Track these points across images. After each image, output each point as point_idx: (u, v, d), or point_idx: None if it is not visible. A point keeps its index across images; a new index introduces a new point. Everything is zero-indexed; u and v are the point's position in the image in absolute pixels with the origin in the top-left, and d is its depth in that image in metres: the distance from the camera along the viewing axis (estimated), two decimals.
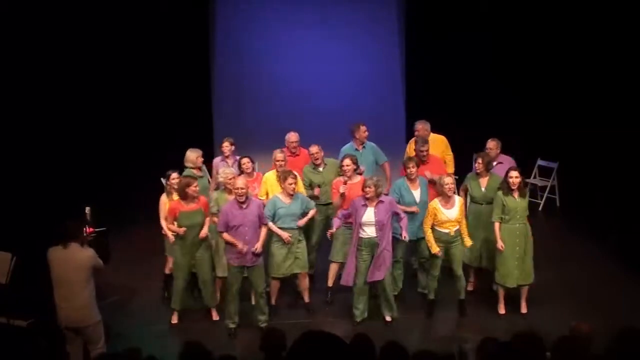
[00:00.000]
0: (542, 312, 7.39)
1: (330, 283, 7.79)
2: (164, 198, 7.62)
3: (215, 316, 7.50)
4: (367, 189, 6.92)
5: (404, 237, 7.06)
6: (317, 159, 7.97)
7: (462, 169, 8.68)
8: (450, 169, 8.41)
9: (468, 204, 7.78)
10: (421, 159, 7.83)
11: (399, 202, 7.35)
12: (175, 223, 7.14)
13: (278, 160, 7.78)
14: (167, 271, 7.78)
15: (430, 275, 7.39)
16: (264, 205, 7.23)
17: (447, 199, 7.16)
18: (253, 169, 7.91)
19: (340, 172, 7.66)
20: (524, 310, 7.45)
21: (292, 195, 7.28)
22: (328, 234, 7.60)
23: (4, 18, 9.23)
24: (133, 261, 8.83)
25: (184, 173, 7.72)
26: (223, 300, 7.42)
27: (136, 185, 10.44)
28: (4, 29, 9.25)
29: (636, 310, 7.01)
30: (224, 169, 7.70)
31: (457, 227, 7.22)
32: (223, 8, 11.44)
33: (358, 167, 7.67)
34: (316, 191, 7.87)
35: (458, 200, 7.26)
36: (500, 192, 7.25)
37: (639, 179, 9.40)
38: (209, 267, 7.35)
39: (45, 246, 6.01)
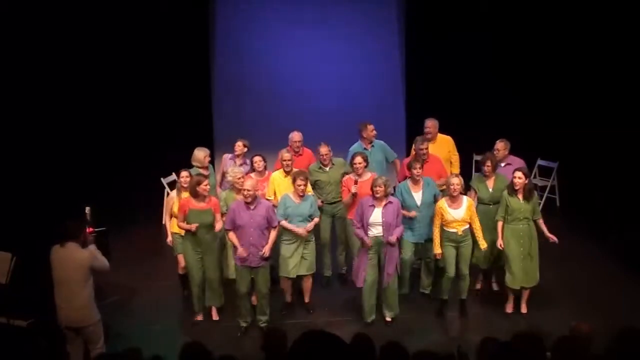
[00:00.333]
0: (542, 312, 7.40)
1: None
2: (172, 195, 7.69)
3: (215, 316, 7.51)
4: (377, 188, 6.94)
5: (391, 240, 7.02)
6: (326, 159, 7.98)
7: (462, 169, 8.70)
8: (456, 169, 8.45)
9: (476, 205, 7.77)
10: (421, 158, 7.84)
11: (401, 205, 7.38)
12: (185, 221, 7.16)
13: (285, 160, 7.80)
14: (180, 271, 7.80)
15: (445, 276, 7.37)
16: (274, 207, 7.24)
17: (453, 199, 7.16)
18: (265, 168, 7.93)
19: (352, 169, 7.67)
20: (524, 310, 7.46)
21: (302, 195, 7.30)
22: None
23: (4, 18, 9.22)
24: (133, 261, 8.83)
25: (191, 172, 7.74)
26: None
27: (136, 185, 10.45)
28: (4, 29, 9.24)
29: (636, 310, 7.02)
30: (233, 167, 7.75)
31: (466, 227, 7.20)
32: (223, 8, 11.43)
33: (368, 164, 7.68)
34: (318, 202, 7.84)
35: (466, 200, 7.24)
36: (505, 192, 7.28)
37: (639, 179, 9.40)
38: (215, 267, 7.35)
39: (45, 246, 6.02)
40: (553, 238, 7.26)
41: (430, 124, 8.46)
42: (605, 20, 9.97)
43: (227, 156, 8.61)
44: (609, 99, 10.19)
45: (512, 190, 7.22)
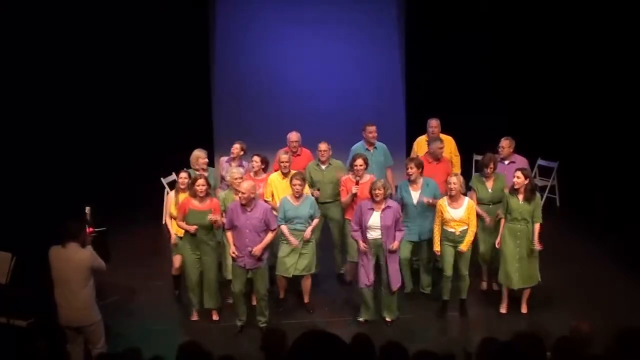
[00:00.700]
0: (542, 312, 7.40)
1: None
2: (171, 195, 7.70)
3: (215, 316, 7.51)
4: (377, 191, 6.91)
5: (393, 247, 7.03)
6: (324, 156, 7.96)
7: (462, 169, 8.72)
8: (457, 169, 8.47)
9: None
10: (437, 157, 7.92)
11: (401, 204, 7.38)
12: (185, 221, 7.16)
13: (282, 162, 7.77)
14: (173, 272, 7.79)
15: (444, 276, 7.38)
16: (273, 209, 7.22)
17: (453, 199, 7.16)
18: (263, 169, 7.89)
19: (351, 171, 7.65)
20: (524, 310, 7.46)
21: (298, 197, 7.28)
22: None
23: (4, 18, 9.22)
24: (133, 261, 8.83)
25: (190, 173, 7.73)
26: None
27: (136, 185, 10.45)
28: (4, 29, 9.24)
29: (636, 310, 7.02)
30: (232, 168, 7.73)
31: (464, 227, 7.20)
32: (223, 8, 11.43)
33: (368, 166, 7.68)
34: (315, 193, 7.85)
35: (467, 201, 7.24)
36: (507, 191, 7.29)
37: (638, 179, 9.39)
38: (213, 268, 7.35)
39: (45, 246, 6.02)
40: (538, 246, 7.22)
41: (435, 124, 8.54)
42: (605, 20, 9.96)
43: (223, 159, 8.56)
44: (609, 99, 10.19)
45: (513, 189, 7.22)
